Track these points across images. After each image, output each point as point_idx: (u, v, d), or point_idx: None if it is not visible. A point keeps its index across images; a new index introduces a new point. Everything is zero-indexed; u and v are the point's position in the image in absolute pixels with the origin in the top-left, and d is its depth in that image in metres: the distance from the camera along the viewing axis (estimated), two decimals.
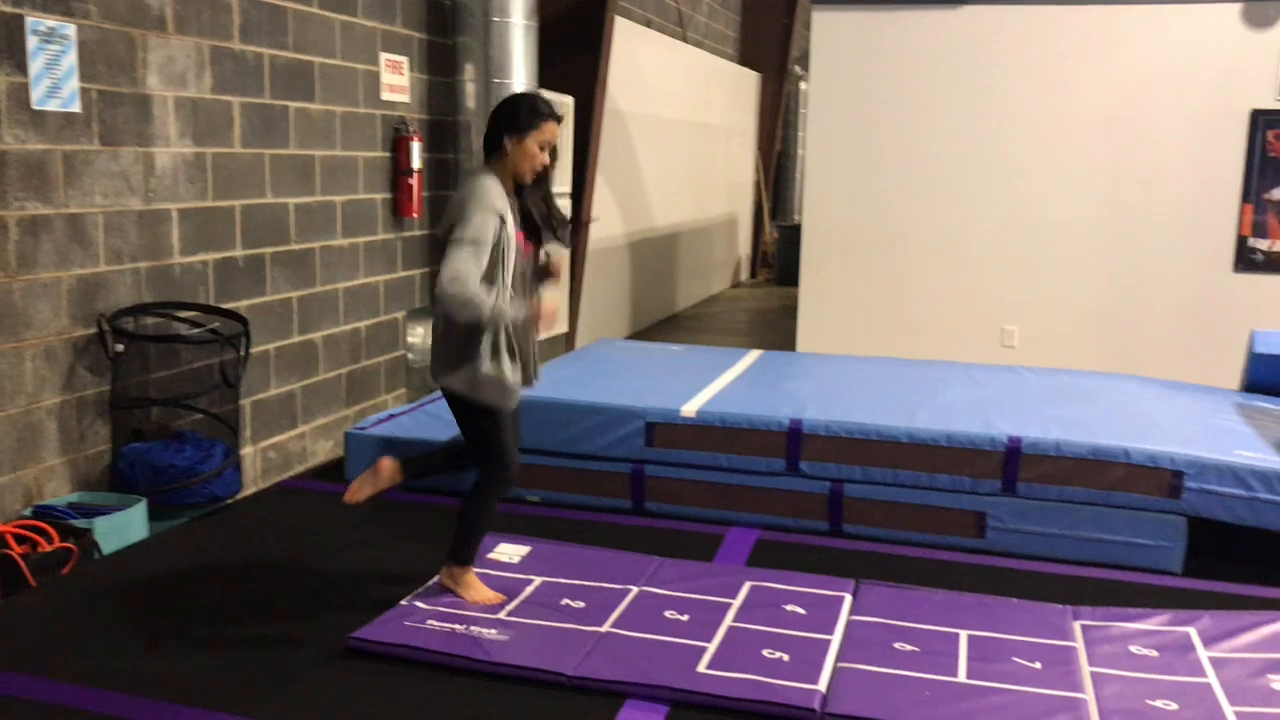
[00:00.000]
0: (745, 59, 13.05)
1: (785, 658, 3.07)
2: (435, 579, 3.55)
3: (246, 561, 3.86)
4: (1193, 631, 3.28)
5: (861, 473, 4.26)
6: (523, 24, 5.77)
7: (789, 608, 3.40)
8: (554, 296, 3.54)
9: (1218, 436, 4.24)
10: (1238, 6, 6.23)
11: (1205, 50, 6.31)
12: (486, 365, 3.19)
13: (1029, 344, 6.76)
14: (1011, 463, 4.10)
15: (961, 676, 3.00)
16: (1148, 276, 6.56)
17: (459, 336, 3.18)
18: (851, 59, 6.79)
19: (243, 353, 4.38)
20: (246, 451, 4.70)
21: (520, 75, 5.79)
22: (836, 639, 3.20)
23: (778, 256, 12.89)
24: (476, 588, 3.43)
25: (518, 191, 3.31)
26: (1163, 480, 3.97)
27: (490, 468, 3.35)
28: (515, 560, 3.77)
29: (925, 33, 6.67)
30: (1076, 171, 6.58)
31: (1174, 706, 2.83)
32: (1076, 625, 3.34)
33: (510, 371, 3.24)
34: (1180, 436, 4.17)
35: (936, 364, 5.48)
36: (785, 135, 14.13)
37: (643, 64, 8.91)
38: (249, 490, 4.69)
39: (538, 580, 3.60)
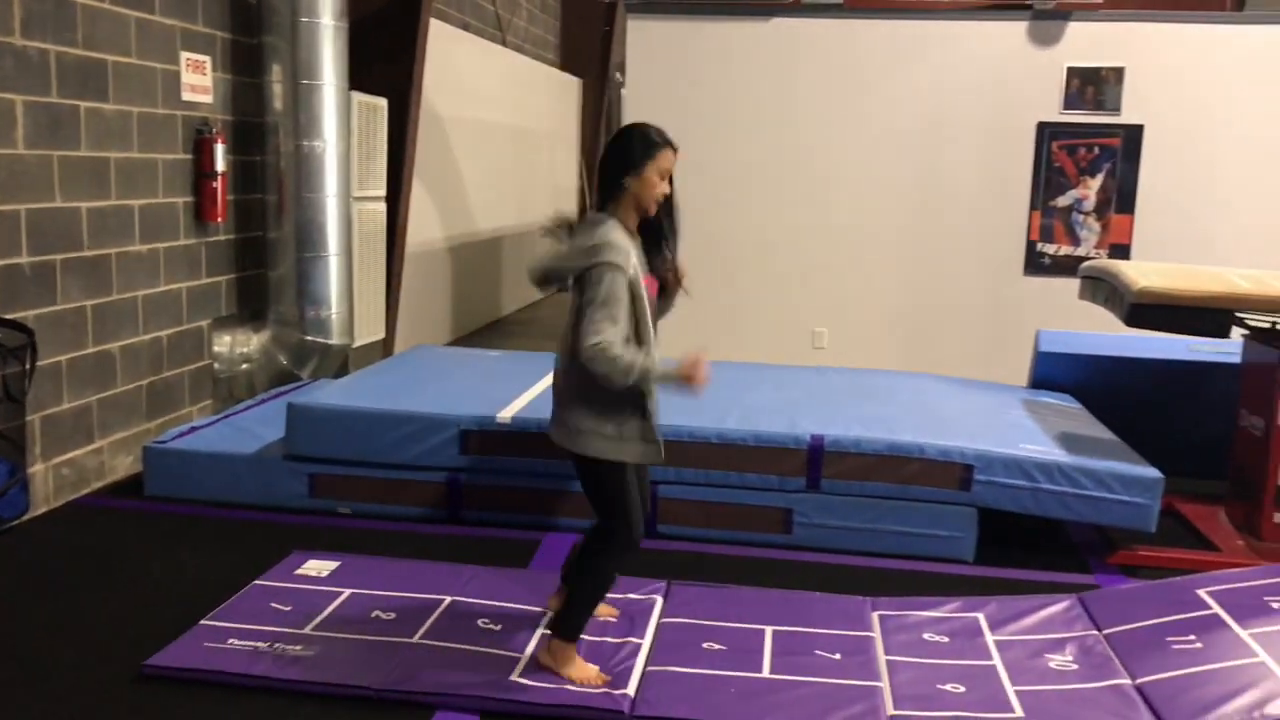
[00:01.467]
0: (567, 64, 13.10)
1: (595, 665, 3.10)
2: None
3: (34, 586, 3.66)
4: (981, 617, 3.47)
5: (675, 474, 4.33)
6: (332, 25, 5.65)
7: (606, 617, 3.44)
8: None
9: (1005, 431, 4.50)
10: (1025, 24, 6.62)
11: (996, 65, 6.68)
12: (633, 424, 2.99)
13: (838, 345, 7.01)
14: (815, 460, 4.25)
15: (766, 672, 3.09)
16: (946, 280, 6.90)
17: (604, 398, 2.97)
18: (666, 67, 6.91)
19: (28, 365, 4.15)
20: (36, 469, 4.45)
21: (330, 77, 5.67)
22: (647, 642, 3.26)
23: None
24: (580, 665, 3.10)
25: (643, 226, 3.15)
26: (954, 474, 4.19)
27: (616, 535, 3.07)
28: (324, 574, 3.69)
29: (736, 43, 6.84)
30: (880, 179, 6.86)
31: (962, 689, 2.99)
32: (875, 616, 3.49)
33: (654, 427, 3.04)
34: (971, 432, 4.40)
35: (747, 366, 5.63)
36: None
37: (461, 67, 8.84)
38: (39, 510, 4.44)
39: (346, 593, 3.53)
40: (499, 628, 3.30)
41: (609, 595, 3.38)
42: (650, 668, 3.09)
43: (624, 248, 2.98)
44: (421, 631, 3.26)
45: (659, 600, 3.55)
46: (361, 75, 6.25)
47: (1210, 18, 6.59)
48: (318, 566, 3.76)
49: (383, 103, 6.47)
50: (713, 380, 5.23)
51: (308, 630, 3.25)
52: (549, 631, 3.17)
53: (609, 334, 2.87)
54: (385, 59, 6.68)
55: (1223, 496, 4.74)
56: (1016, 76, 6.67)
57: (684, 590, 3.65)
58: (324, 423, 4.45)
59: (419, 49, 6.81)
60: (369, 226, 6.40)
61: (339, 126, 5.77)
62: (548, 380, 5.05)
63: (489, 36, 10.11)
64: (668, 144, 3.13)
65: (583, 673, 3.07)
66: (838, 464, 4.25)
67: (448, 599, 3.50)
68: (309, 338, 5.77)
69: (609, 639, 3.25)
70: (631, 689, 2.96)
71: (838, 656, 3.18)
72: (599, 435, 3.00)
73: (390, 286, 6.88)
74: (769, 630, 3.35)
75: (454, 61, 8.62)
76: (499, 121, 10.08)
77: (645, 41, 6.93)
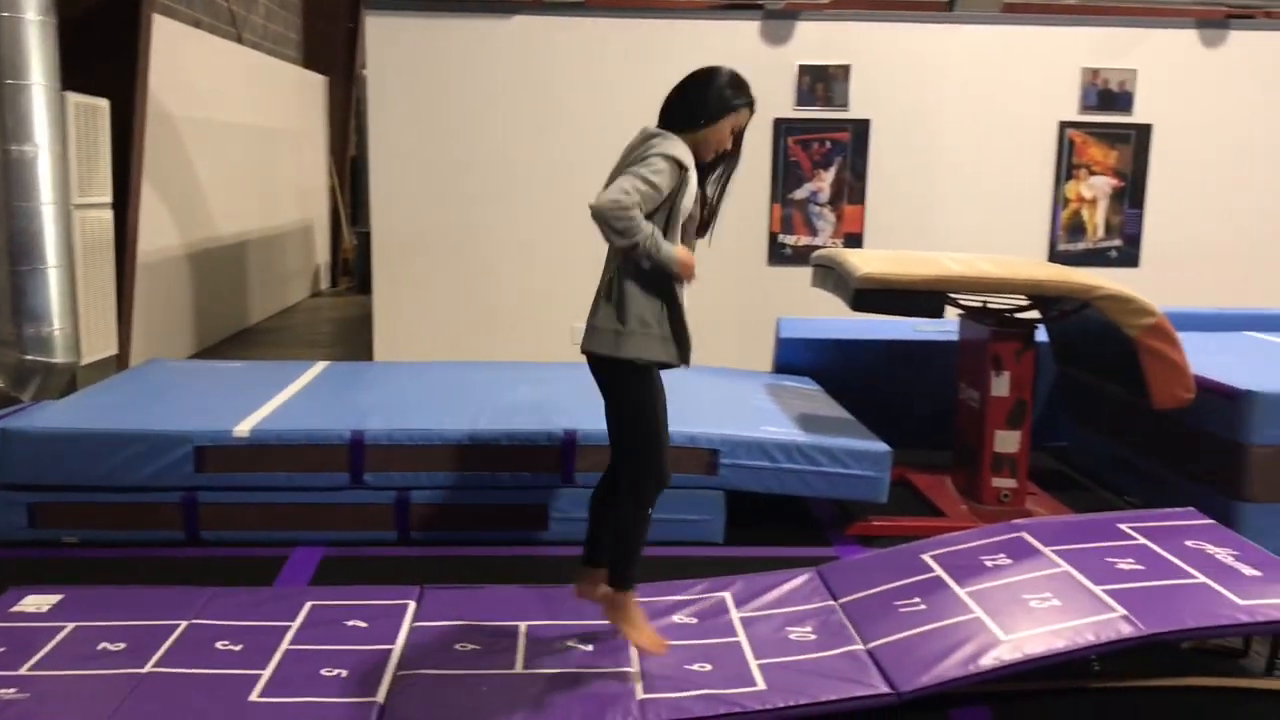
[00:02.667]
0: (311, 62, 12.68)
1: (344, 673, 3.02)
2: None
3: None
4: (728, 596, 3.58)
5: (427, 478, 4.28)
6: (37, 20, 5.24)
7: (351, 623, 3.35)
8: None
9: (749, 415, 4.67)
10: (758, 24, 6.87)
11: (734, 63, 6.80)
12: (664, 320, 2.98)
13: None
14: (568, 455, 4.28)
15: (519, 668, 3.09)
16: (697, 272, 7.07)
17: (635, 295, 2.95)
18: (410, 64, 6.80)
19: None
20: None
21: (38, 76, 5.26)
22: (398, 648, 3.19)
23: (358, 263, 12.65)
24: (644, 630, 3.09)
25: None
26: (702, 459, 4.31)
27: (644, 468, 3.05)
28: (44, 610, 3.43)
29: (480, 41, 6.81)
30: None
31: (709, 668, 3.08)
32: None
33: (685, 325, 3.02)
34: (717, 418, 4.54)
35: (503, 365, 5.62)
36: (360, 140, 13.89)
37: (192, 66, 8.41)
38: None
39: (70, 627, 3.29)
40: (239, 647, 3.16)
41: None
42: (400, 672, 3.04)
43: (687, 156, 2.97)
44: (154, 660, 3.08)
45: (411, 605, 3.49)
46: (78, 75, 5.84)
47: (924, 17, 7.03)
48: (37, 602, 3.49)
49: (104, 104, 6.08)
50: (467, 382, 5.19)
51: (23, 671, 3.01)
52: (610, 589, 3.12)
53: (633, 197, 2.84)
54: (104, 57, 6.27)
55: (949, 465, 5.08)
56: (753, 74, 6.73)
57: (437, 594, 3.60)
58: (42, 447, 4.14)
59: (142, 47, 6.44)
60: (94, 235, 6.00)
61: (52, 129, 5.37)
62: (291, 390, 4.89)
63: (223, 34, 9.66)
64: (749, 105, 3.12)
65: (648, 639, 3.10)
66: (592, 457, 4.28)
67: (183, 623, 3.32)
68: (28, 357, 5.35)
69: (359, 646, 3.17)
70: (381, 696, 2.90)
71: (590, 647, 3.21)
72: (627, 333, 2.97)
73: (121, 298, 6.47)
74: (523, 626, 3.35)
75: (184, 60, 8.19)
76: (237, 122, 9.65)
77: (386, 38, 6.79)
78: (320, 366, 5.50)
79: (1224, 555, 3.39)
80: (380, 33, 6.79)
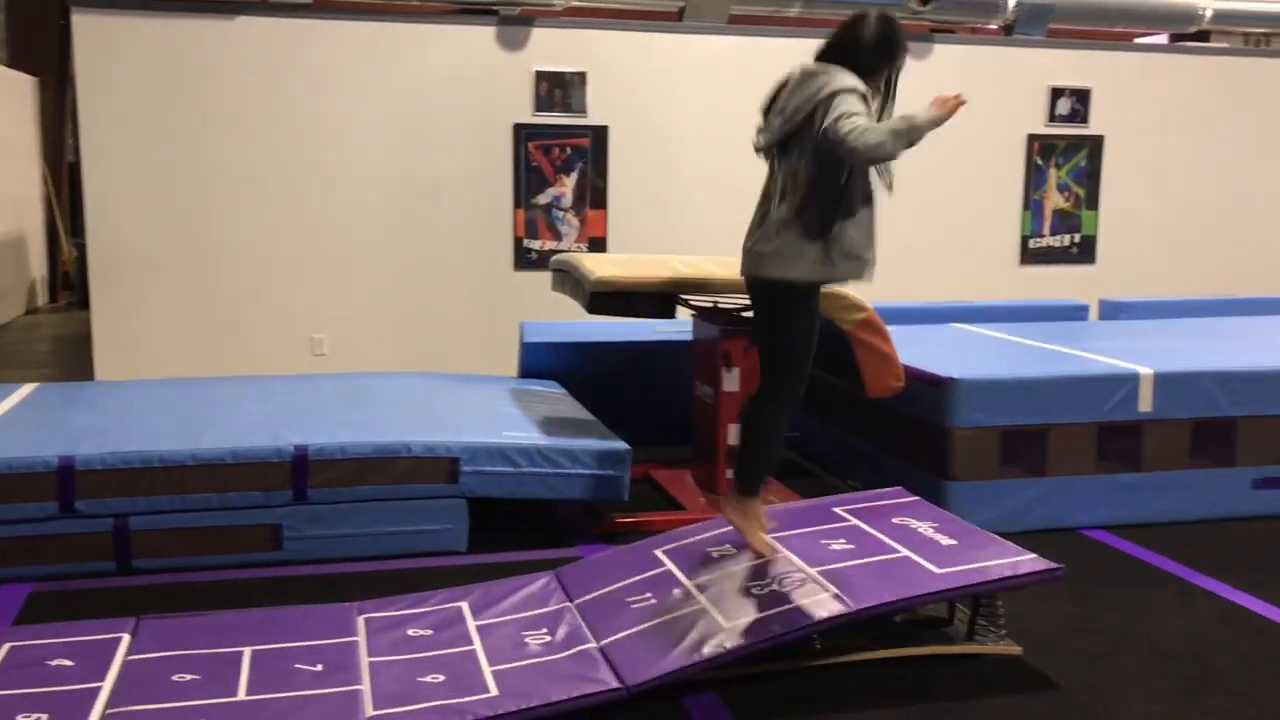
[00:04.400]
0: (17, 61, 11.76)
1: (43, 718, 2.81)
2: None
3: None
4: (465, 605, 3.56)
5: (147, 503, 4.04)
6: None
7: (54, 663, 3.12)
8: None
9: (491, 421, 4.66)
10: (493, 29, 6.87)
11: (471, 68, 6.88)
12: (850, 235, 3.30)
13: (339, 351, 6.90)
14: (300, 471, 4.14)
15: (242, 694, 2.97)
16: (442, 280, 7.01)
17: (818, 207, 3.25)
18: (124, 65, 6.41)
19: None
20: None
21: None
22: (108, 685, 3.00)
23: (79, 276, 11.81)
24: (761, 536, 3.46)
25: None
26: (442, 468, 4.27)
27: (788, 380, 3.39)
28: None
29: (201, 41, 6.50)
30: (370, 181, 6.83)
31: (441, 678, 3.05)
32: (361, 620, 3.47)
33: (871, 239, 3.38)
34: (458, 425, 4.51)
35: (232, 380, 5.39)
36: (78, 145, 12.98)
37: None
38: None
39: None
40: None
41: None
42: (110, 711, 2.86)
43: (862, 89, 3.27)
44: None
45: (125, 638, 3.28)
46: None
47: (656, 27, 7.22)
48: None
49: None
50: (193, 399, 4.95)
51: None
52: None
53: (861, 119, 3.12)
54: None
55: (689, 460, 5.23)
56: (491, 80, 6.91)
57: (154, 624, 3.41)
58: None
59: None
60: None
61: None
62: None
63: None
64: (906, 48, 3.47)
65: (764, 545, 3.48)
66: (325, 472, 4.17)
67: None
68: None
69: (63, 688, 2.96)
70: None
71: (319, 668, 3.12)
72: (806, 257, 3.30)
73: None
74: (248, 651, 3.21)
75: None
76: None
77: (96, 38, 6.38)
78: (28, 389, 5.11)
79: (925, 529, 3.64)
80: (89, 32, 6.37)
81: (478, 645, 3.26)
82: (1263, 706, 3.14)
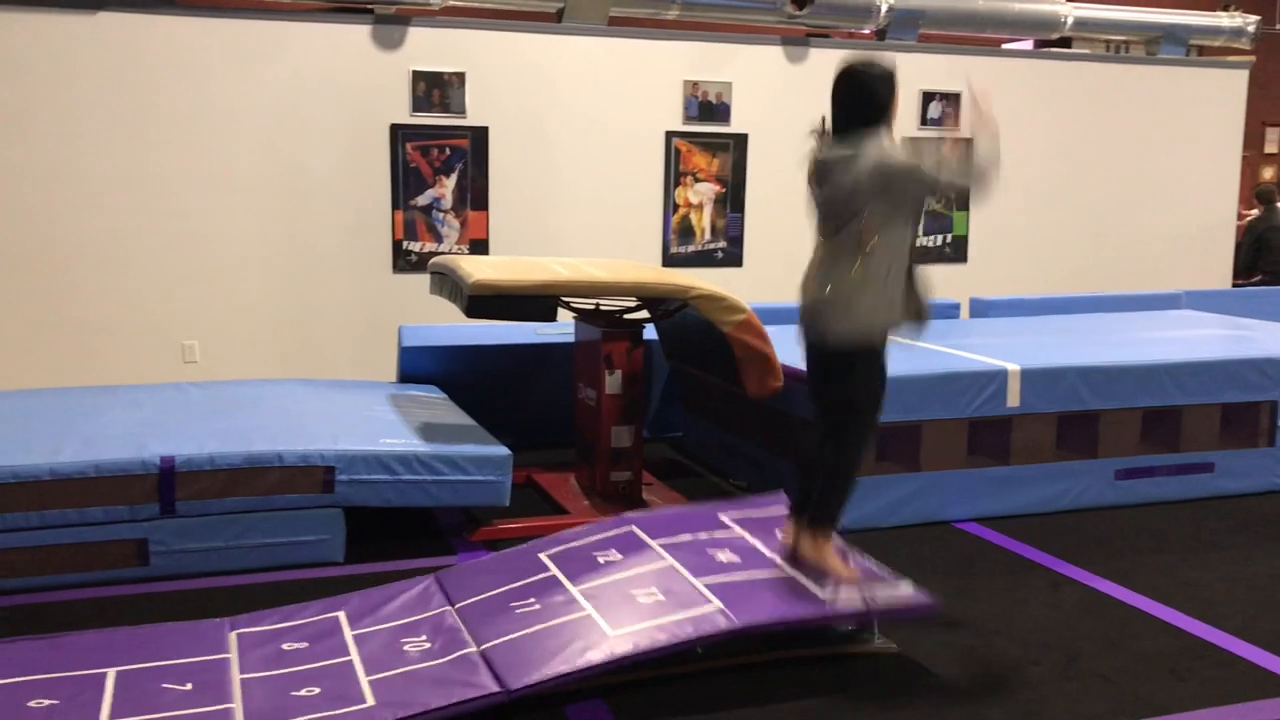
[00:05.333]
0: None
1: None
2: None
3: None
4: (342, 615, 3.47)
5: (2, 521, 3.85)
6: None
7: None
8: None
9: (368, 428, 4.56)
10: (368, 28, 6.74)
11: (346, 68, 6.73)
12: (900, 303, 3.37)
13: (212, 358, 6.68)
14: (167, 484, 4.00)
15: (105, 718, 2.85)
16: (318, 283, 6.84)
17: (877, 277, 3.28)
18: None
19: None
20: None
21: None
22: None
23: None
24: (838, 561, 3.44)
25: None
26: (316, 477, 4.17)
27: (864, 420, 3.41)
28: None
29: (58, 38, 6.22)
30: (241, 182, 6.62)
31: (316, 690, 2.98)
32: (233, 636, 3.36)
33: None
34: (332, 433, 4.40)
35: (95, 389, 5.18)
36: None
37: None
38: None
39: None
40: None
41: None
42: None
43: (886, 144, 3.33)
44: None
45: None
46: None
47: (535, 28, 7.17)
48: None
49: None
50: (50, 411, 4.75)
51: None
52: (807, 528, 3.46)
53: (930, 159, 3.22)
54: None
55: (571, 464, 5.21)
56: (366, 80, 6.78)
57: (7, 649, 3.24)
58: None
59: None
60: None
61: None
62: None
63: None
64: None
65: (844, 569, 3.43)
66: (193, 484, 4.03)
67: None
68: None
69: None
70: None
71: (189, 687, 3.01)
72: (874, 319, 3.32)
73: None
74: (112, 673, 3.09)
75: None
76: None
77: None
78: None
79: None
80: None
81: (355, 655, 3.19)
82: (1124, 690, 3.26)
